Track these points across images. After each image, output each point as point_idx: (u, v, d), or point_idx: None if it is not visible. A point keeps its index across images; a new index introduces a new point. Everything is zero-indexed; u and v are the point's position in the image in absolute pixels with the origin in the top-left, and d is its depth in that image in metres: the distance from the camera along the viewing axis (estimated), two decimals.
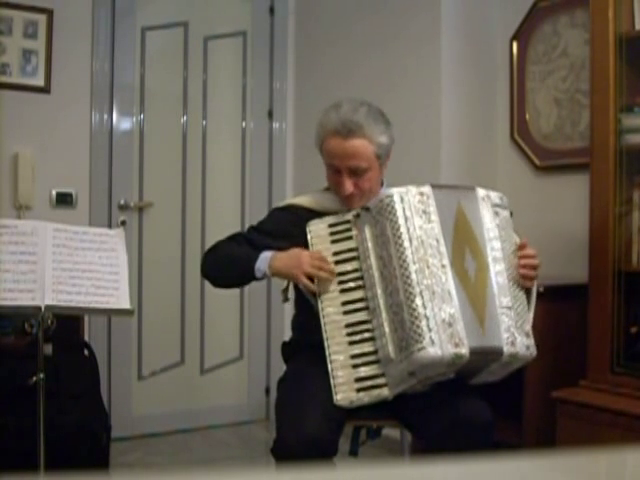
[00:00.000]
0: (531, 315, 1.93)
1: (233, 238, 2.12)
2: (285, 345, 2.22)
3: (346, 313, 1.90)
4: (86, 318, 3.27)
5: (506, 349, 1.81)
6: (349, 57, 3.64)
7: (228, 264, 2.07)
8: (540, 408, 2.58)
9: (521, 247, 1.94)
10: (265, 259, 1.97)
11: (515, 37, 3.25)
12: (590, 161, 2.48)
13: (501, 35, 3.31)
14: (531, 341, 1.86)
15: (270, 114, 3.93)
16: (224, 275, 2.12)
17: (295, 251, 1.95)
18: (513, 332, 1.83)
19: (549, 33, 3.12)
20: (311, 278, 1.92)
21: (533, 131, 3.20)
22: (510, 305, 1.85)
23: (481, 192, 1.94)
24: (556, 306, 2.61)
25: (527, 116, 3.21)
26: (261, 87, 3.90)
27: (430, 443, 1.91)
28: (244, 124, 3.87)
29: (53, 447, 2.27)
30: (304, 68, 3.94)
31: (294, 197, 2.19)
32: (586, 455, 0.93)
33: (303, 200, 2.13)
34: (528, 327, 1.88)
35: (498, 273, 1.87)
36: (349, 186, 2.00)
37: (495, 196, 1.96)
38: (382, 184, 2.14)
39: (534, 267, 1.93)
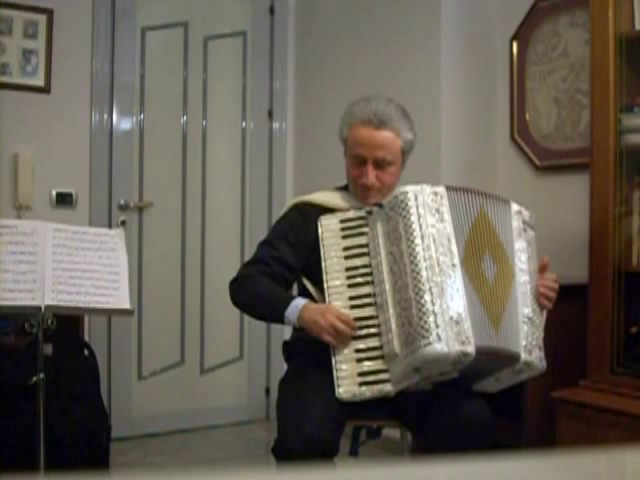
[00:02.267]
0: (542, 332, 1.96)
1: (262, 261, 2.06)
2: (286, 344, 2.21)
3: (353, 308, 1.91)
4: (86, 318, 3.27)
5: (524, 356, 1.84)
6: (349, 57, 3.64)
7: (259, 304, 2.04)
8: (540, 408, 2.58)
9: (542, 266, 1.98)
10: (295, 309, 1.92)
11: (515, 37, 3.25)
12: (590, 161, 2.48)
13: (501, 35, 3.31)
14: (543, 354, 1.91)
15: (270, 114, 3.93)
16: (253, 313, 2.12)
17: (324, 308, 1.92)
18: (531, 341, 1.87)
19: (549, 33, 3.12)
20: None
21: (533, 131, 3.20)
22: (531, 316, 1.90)
23: (515, 206, 1.99)
24: (556, 306, 2.61)
25: (527, 116, 3.21)
26: (261, 87, 3.90)
27: (430, 443, 1.91)
28: (244, 124, 3.87)
29: (53, 447, 2.27)
30: (304, 68, 3.94)
31: (307, 194, 2.16)
32: (586, 455, 0.93)
33: (313, 198, 2.13)
34: (541, 341, 1.92)
35: (523, 284, 1.91)
36: (372, 177, 2.00)
37: (526, 214, 2.00)
38: None
39: (555, 290, 1.97)
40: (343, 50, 3.68)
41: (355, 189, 2.08)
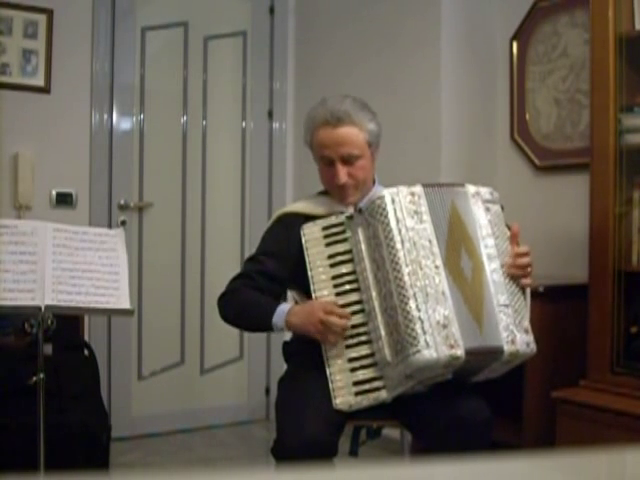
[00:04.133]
0: (528, 311, 1.91)
1: (247, 275, 2.07)
2: (286, 344, 2.21)
3: (342, 316, 1.90)
4: (86, 318, 3.27)
5: (506, 348, 1.79)
6: (349, 57, 3.64)
7: (246, 316, 2.05)
8: (540, 408, 2.58)
9: (513, 236, 1.91)
10: (282, 314, 1.94)
11: (515, 37, 3.25)
12: (590, 161, 2.48)
13: (501, 35, 3.31)
14: (531, 337, 1.84)
15: (270, 114, 3.93)
16: (243, 324, 2.14)
17: (309, 306, 1.92)
18: (512, 330, 1.81)
19: (549, 33, 3.12)
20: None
21: (533, 131, 3.20)
22: (507, 303, 1.83)
23: (471, 189, 1.92)
24: (556, 306, 2.61)
25: (527, 116, 3.21)
26: (261, 87, 3.90)
27: (430, 443, 1.91)
28: (244, 124, 3.87)
29: (53, 447, 2.27)
30: (304, 68, 3.94)
31: (289, 205, 2.18)
32: (586, 455, 0.93)
33: (296, 207, 2.13)
34: (527, 323, 1.86)
35: (493, 271, 1.85)
36: (343, 175, 1.99)
37: (485, 192, 1.93)
38: (374, 182, 2.14)
39: (526, 266, 1.89)
40: (343, 50, 3.68)
41: (332, 191, 2.08)
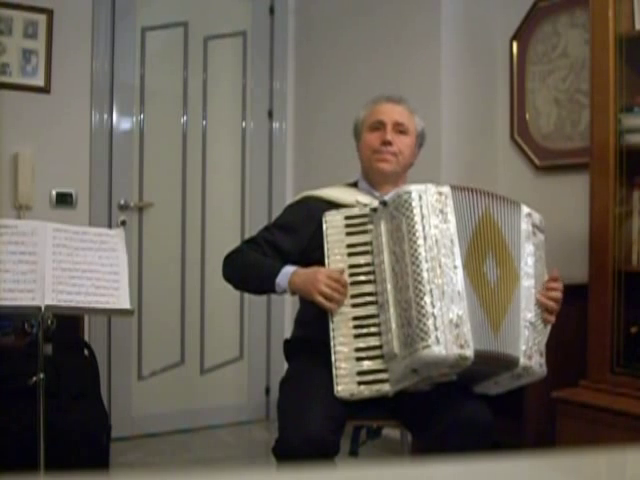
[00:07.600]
0: (546, 337, 1.94)
1: (254, 241, 2.13)
2: (287, 343, 2.21)
3: (354, 306, 1.91)
4: (86, 318, 3.27)
5: (522, 361, 1.83)
6: (349, 57, 3.64)
7: (250, 274, 2.08)
8: (540, 408, 2.58)
9: (553, 279, 1.96)
10: (286, 275, 1.97)
11: (515, 37, 3.25)
12: (590, 161, 2.48)
13: (501, 35, 3.31)
14: (543, 360, 1.89)
15: (270, 114, 3.93)
16: (245, 284, 2.16)
17: (313, 270, 1.94)
18: (531, 347, 1.86)
19: (549, 33, 3.12)
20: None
21: (533, 131, 3.20)
22: (533, 321, 1.88)
23: (525, 209, 1.99)
24: None
25: (527, 116, 3.21)
26: (261, 87, 3.90)
27: (430, 443, 1.91)
28: (244, 124, 3.87)
29: (53, 447, 2.27)
30: (304, 68, 3.94)
31: (316, 189, 2.21)
32: (586, 455, 0.93)
33: (321, 192, 2.16)
34: (543, 347, 1.90)
35: (527, 288, 1.90)
36: (390, 135, 2.11)
37: (537, 217, 2.01)
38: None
39: (556, 300, 1.94)
40: (343, 50, 3.67)
41: (371, 158, 2.13)
